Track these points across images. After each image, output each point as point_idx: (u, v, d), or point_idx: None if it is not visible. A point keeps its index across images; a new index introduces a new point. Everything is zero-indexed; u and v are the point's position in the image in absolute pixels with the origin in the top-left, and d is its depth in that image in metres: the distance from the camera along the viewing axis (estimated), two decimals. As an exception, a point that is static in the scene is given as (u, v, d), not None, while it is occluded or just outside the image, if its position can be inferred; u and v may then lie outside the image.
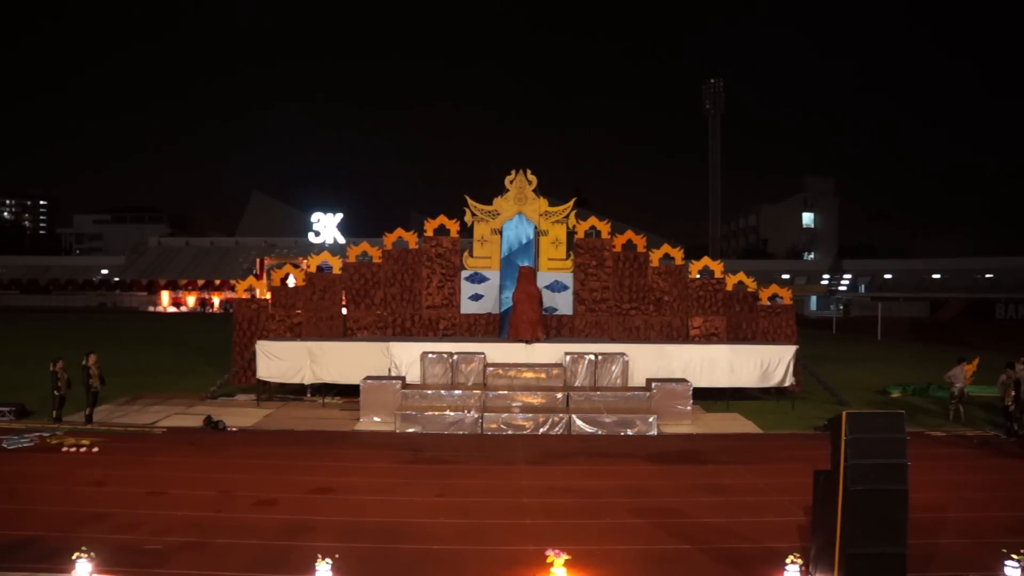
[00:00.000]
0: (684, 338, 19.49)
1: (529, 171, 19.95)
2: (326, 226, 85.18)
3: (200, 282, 78.55)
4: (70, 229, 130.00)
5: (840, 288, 76.84)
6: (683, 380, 16.13)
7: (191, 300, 75.36)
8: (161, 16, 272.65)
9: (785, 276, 76.25)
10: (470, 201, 19.96)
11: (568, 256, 19.98)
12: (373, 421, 15.36)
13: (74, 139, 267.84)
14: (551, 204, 20.06)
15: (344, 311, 19.95)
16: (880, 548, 6.70)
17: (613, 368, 16.82)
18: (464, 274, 19.83)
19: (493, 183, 21.21)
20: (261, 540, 8.58)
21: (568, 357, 16.94)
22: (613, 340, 18.83)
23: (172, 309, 73.19)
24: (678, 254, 20.60)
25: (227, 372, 19.12)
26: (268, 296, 20.16)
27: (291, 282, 20.65)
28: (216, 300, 73.83)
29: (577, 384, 16.68)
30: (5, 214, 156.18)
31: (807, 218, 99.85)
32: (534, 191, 19.86)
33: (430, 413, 14.82)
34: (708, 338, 19.43)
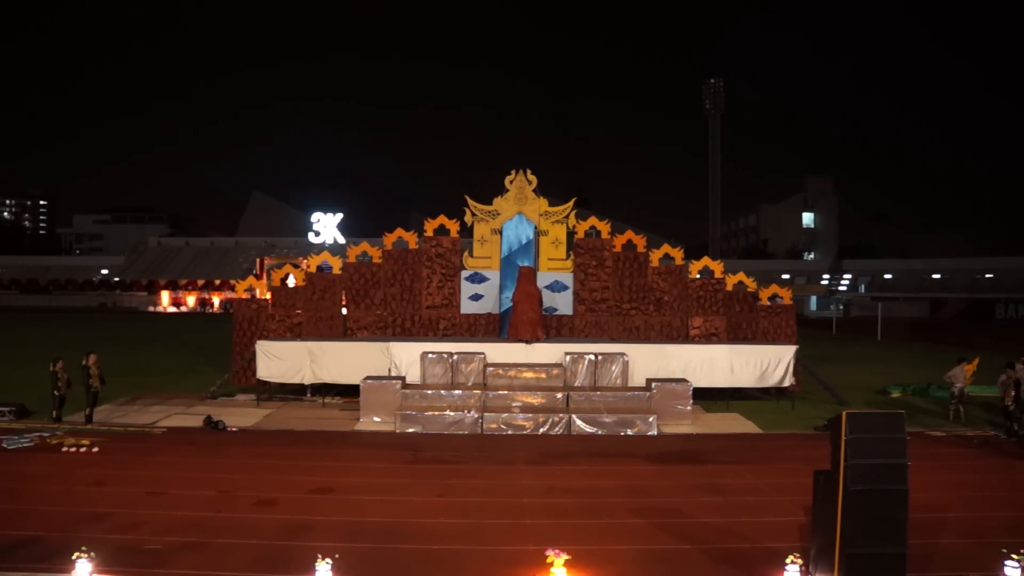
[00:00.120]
0: (684, 338, 19.49)
1: (529, 171, 19.96)
2: (326, 226, 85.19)
3: (200, 282, 78.57)
4: (70, 229, 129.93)
5: (840, 288, 76.86)
6: (683, 380, 16.13)
7: (191, 300, 75.37)
8: (161, 16, 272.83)
9: (785, 276, 76.26)
10: (470, 201, 19.96)
11: (568, 256, 19.98)
12: (373, 421, 15.36)
13: (74, 139, 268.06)
14: (551, 204, 20.06)
15: (344, 311, 19.95)
16: (880, 548, 6.70)
17: (613, 368, 16.82)
18: (464, 274, 19.83)
19: (493, 183, 21.24)
20: (261, 540, 8.58)
21: (568, 357, 16.95)
22: (613, 340, 18.83)
23: (172, 309, 73.20)
24: (678, 254, 20.60)
25: (227, 372, 19.13)
26: (268, 296, 20.16)
27: (291, 282, 20.65)
28: (216, 300, 73.85)
29: (577, 384, 16.68)
30: (5, 214, 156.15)
31: (807, 218, 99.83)
32: (534, 191, 19.86)
33: (430, 413, 14.82)
34: (708, 338, 19.43)
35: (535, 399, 15.60)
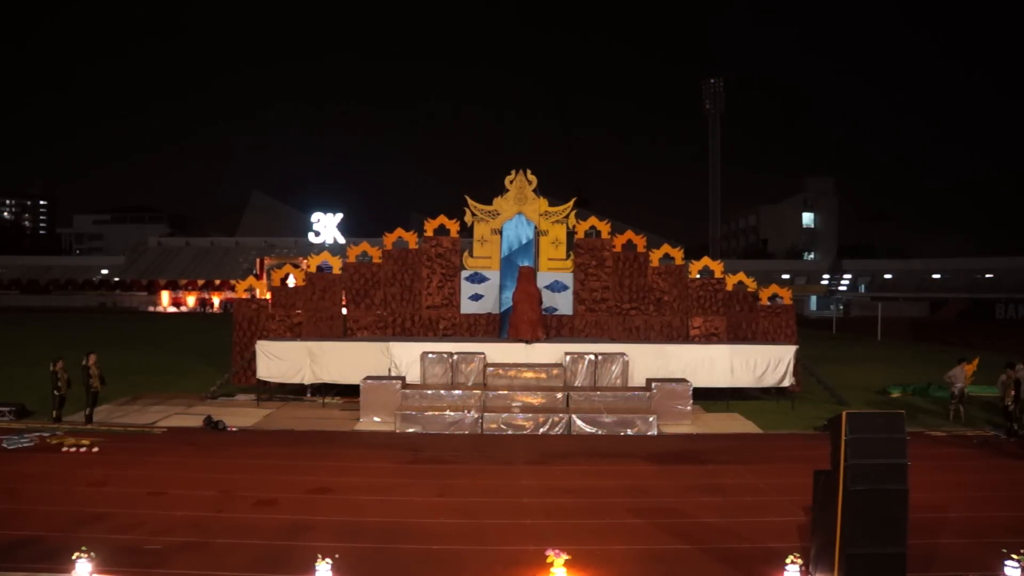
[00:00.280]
0: (684, 338, 19.49)
1: (529, 171, 19.96)
2: (326, 226, 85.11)
3: (200, 282, 78.52)
4: (70, 229, 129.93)
5: (840, 288, 76.77)
6: (683, 380, 16.13)
7: (191, 300, 75.31)
8: (161, 16, 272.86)
9: (785, 276, 76.19)
10: (470, 201, 19.96)
11: (568, 256, 19.98)
12: (373, 421, 15.36)
13: (74, 139, 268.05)
14: (551, 204, 20.06)
15: (344, 311, 19.95)
16: (880, 548, 6.70)
17: (613, 368, 16.82)
18: (464, 274, 19.83)
19: (493, 183, 21.24)
20: (261, 540, 8.58)
21: (568, 357, 16.94)
22: (613, 340, 18.83)
23: (172, 309, 73.16)
24: (678, 254, 20.60)
25: (227, 372, 19.13)
26: (268, 296, 20.16)
27: (291, 282, 20.65)
28: (216, 300, 73.79)
29: (577, 384, 16.68)
30: (5, 214, 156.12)
31: (807, 218, 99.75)
32: (534, 191, 19.86)
33: (430, 413, 14.82)
34: (708, 338, 19.43)
35: (535, 399, 15.60)
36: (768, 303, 20.00)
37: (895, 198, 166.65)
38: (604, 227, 20.47)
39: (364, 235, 57.14)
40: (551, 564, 7.19)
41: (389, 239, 20.31)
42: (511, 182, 19.90)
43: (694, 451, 13.27)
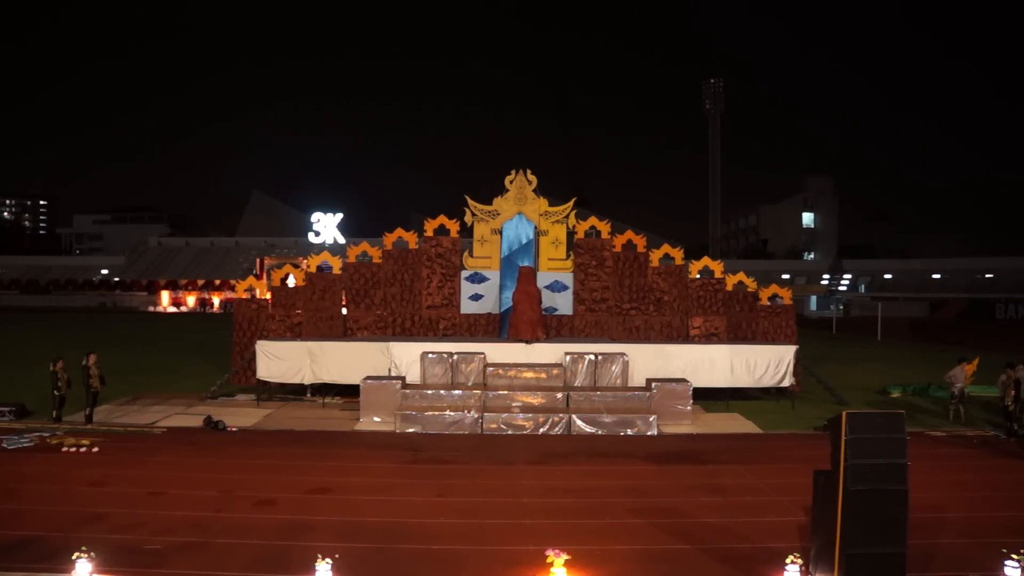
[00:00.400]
0: (684, 338, 19.49)
1: (529, 171, 19.96)
2: (326, 226, 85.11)
3: (200, 282, 78.51)
4: (70, 229, 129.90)
5: (840, 288, 76.72)
6: (683, 380, 16.13)
7: (191, 300, 75.30)
8: (162, 15, 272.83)
9: (785, 276, 76.19)
10: (470, 201, 19.96)
11: (568, 256, 19.98)
12: (373, 421, 15.36)
13: (74, 139, 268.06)
14: (551, 204, 20.06)
15: (344, 311, 19.95)
16: (880, 548, 6.70)
17: (613, 368, 16.82)
18: (464, 274, 19.83)
19: (493, 183, 21.24)
20: (261, 540, 8.58)
21: (568, 357, 16.94)
22: (613, 340, 18.82)
23: (172, 309, 73.15)
24: (678, 254, 20.60)
25: (227, 372, 19.12)
26: (268, 296, 20.16)
27: (291, 282, 20.65)
28: (216, 300, 73.78)
29: (577, 384, 16.68)
30: (5, 214, 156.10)
31: (807, 218, 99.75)
32: (534, 191, 19.86)
33: (430, 413, 14.82)
34: (708, 338, 19.43)
35: (535, 399, 15.59)
36: (768, 303, 20.00)
37: (895, 198, 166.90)
38: (604, 227, 20.48)
39: (364, 235, 57.14)
40: (551, 564, 7.19)
41: (389, 239, 20.31)
42: (511, 182, 19.91)
43: (694, 451, 13.27)
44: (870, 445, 6.71)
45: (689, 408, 15.77)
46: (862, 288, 77.46)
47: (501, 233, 19.80)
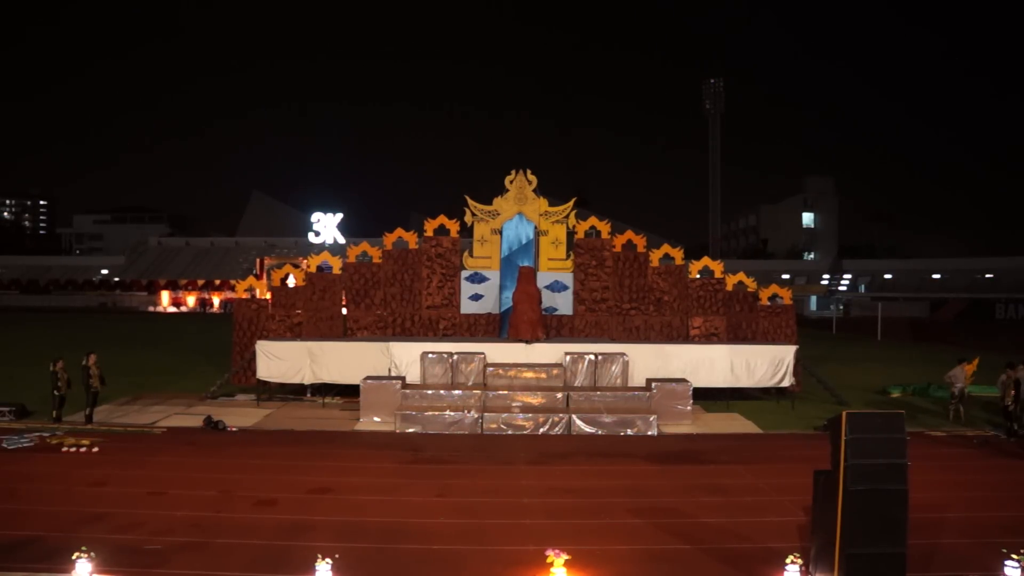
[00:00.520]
0: (684, 338, 19.49)
1: (529, 171, 19.96)
2: (326, 226, 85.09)
3: (200, 282, 78.50)
4: (70, 229, 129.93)
5: (840, 288, 76.73)
6: (683, 380, 16.13)
7: (191, 300, 75.28)
8: (162, 15, 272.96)
9: (785, 276, 76.16)
10: (470, 201, 19.96)
11: (568, 256, 19.98)
12: (373, 421, 15.36)
13: (74, 139, 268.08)
14: (551, 204, 20.07)
15: (344, 311, 19.95)
16: (880, 548, 6.70)
17: (613, 368, 16.82)
18: (464, 274, 19.83)
19: (493, 183, 21.25)
20: (261, 540, 8.58)
21: (568, 357, 16.94)
22: (613, 340, 18.82)
23: (172, 309, 73.13)
24: (678, 254, 20.60)
25: (227, 372, 19.12)
26: (268, 296, 20.16)
27: (291, 282, 20.65)
28: (216, 300, 73.76)
29: (577, 384, 16.68)
30: (5, 214, 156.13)
31: (807, 218, 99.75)
32: (534, 191, 19.86)
33: (430, 413, 14.82)
34: (708, 338, 19.43)
35: (535, 399, 15.60)
36: (768, 303, 20.00)
37: (895, 198, 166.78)
38: (604, 227, 20.48)
39: (364, 235, 57.12)
40: (551, 564, 7.19)
41: (389, 239, 20.32)
42: (511, 182, 19.91)
43: (694, 451, 13.27)
44: (870, 445, 6.71)
45: (689, 408, 15.77)
46: (862, 288, 77.46)
47: (501, 233, 19.80)
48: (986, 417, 16.54)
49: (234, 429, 14.75)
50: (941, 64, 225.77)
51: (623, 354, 17.01)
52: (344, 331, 19.58)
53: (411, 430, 14.60)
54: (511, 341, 17.71)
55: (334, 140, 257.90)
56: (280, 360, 17.30)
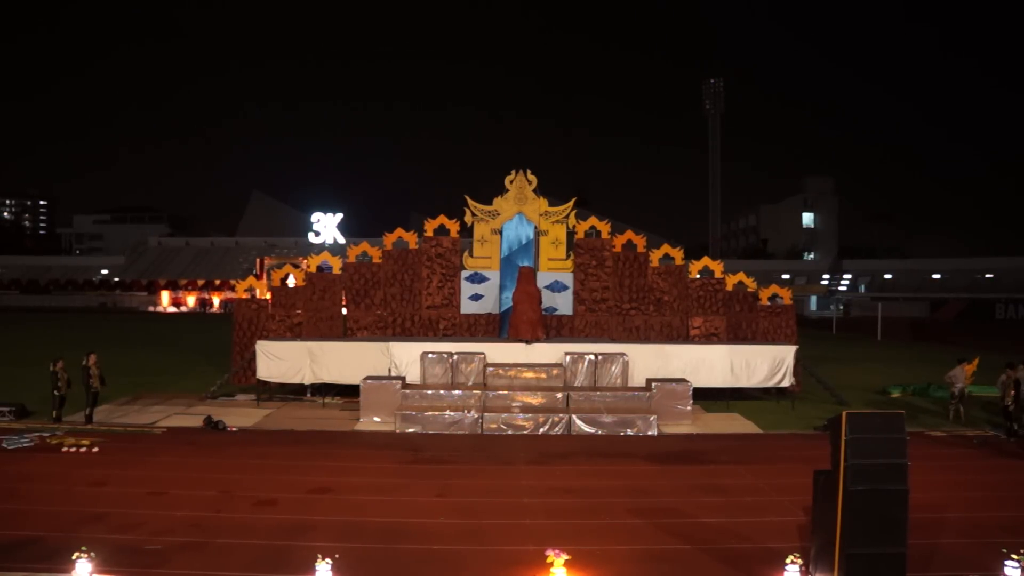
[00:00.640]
0: (684, 338, 19.49)
1: (529, 171, 19.97)
2: (326, 226, 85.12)
3: (200, 282, 78.53)
4: (70, 229, 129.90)
5: (840, 288, 76.78)
6: (683, 380, 16.13)
7: (191, 300, 75.32)
8: (162, 15, 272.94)
9: (785, 276, 76.19)
10: (470, 201, 19.96)
11: (568, 256, 19.99)
12: (373, 421, 15.36)
13: (74, 139, 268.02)
14: (551, 204, 20.07)
15: (344, 311, 19.95)
16: (880, 548, 6.70)
17: (613, 368, 16.82)
18: (464, 274, 19.84)
19: (493, 183, 21.25)
20: (261, 540, 8.58)
21: (568, 357, 16.94)
22: (613, 340, 18.83)
23: (172, 309, 73.16)
24: (678, 254, 20.60)
25: (227, 372, 19.13)
26: (268, 296, 20.16)
27: (291, 282, 20.66)
28: (216, 300, 73.79)
29: (577, 384, 16.68)
30: (5, 214, 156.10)
31: (807, 218, 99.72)
32: (534, 191, 19.87)
33: (430, 413, 14.82)
34: (708, 338, 19.43)
35: (535, 399, 15.60)
36: (768, 303, 20.01)
37: (895, 198, 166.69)
38: (604, 227, 20.48)
39: (364, 235, 57.15)
40: (551, 564, 7.19)
41: (389, 239, 20.32)
42: (511, 182, 19.91)
43: (694, 451, 13.27)
44: (870, 445, 6.71)
45: (689, 408, 15.77)
46: (862, 288, 77.49)
47: (501, 233, 19.81)
48: (986, 417, 16.54)
49: (234, 429, 14.75)
50: (941, 63, 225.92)
51: (623, 354, 17.01)
52: (344, 331, 19.58)
53: (411, 430, 14.60)
54: (511, 341, 17.71)
55: (335, 140, 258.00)
56: (280, 360, 17.30)
